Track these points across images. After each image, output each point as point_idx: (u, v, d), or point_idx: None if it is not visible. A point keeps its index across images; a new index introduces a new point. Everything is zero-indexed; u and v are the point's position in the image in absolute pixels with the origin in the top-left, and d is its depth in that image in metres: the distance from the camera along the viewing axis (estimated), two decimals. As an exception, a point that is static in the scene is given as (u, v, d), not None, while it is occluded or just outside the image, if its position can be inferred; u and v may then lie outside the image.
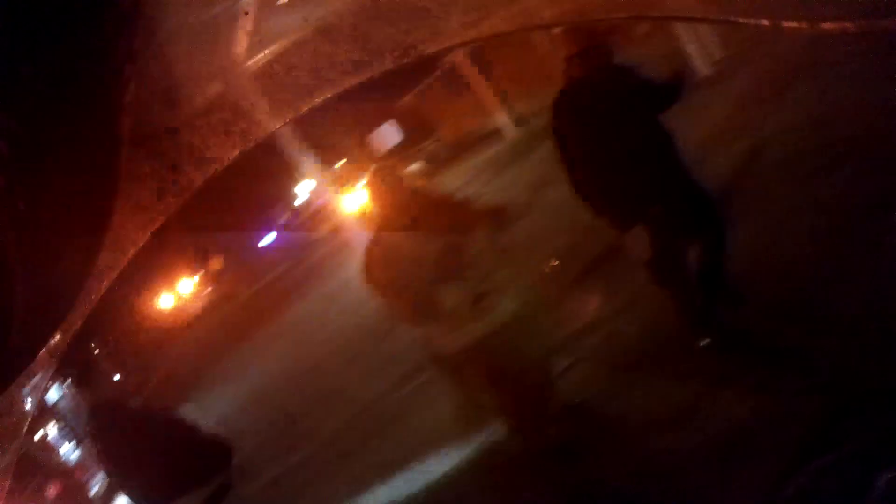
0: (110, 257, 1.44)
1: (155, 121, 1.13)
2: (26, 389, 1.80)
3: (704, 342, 2.61)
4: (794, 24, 1.07)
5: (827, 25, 1.02)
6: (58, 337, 1.73)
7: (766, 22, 1.15)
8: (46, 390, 1.81)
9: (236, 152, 1.11)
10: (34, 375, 1.77)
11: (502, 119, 8.17)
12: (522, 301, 2.97)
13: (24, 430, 1.46)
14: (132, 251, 1.28)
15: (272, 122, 1.09)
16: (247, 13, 1.13)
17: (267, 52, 1.13)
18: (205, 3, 1.18)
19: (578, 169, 2.63)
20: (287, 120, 1.09)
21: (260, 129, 1.09)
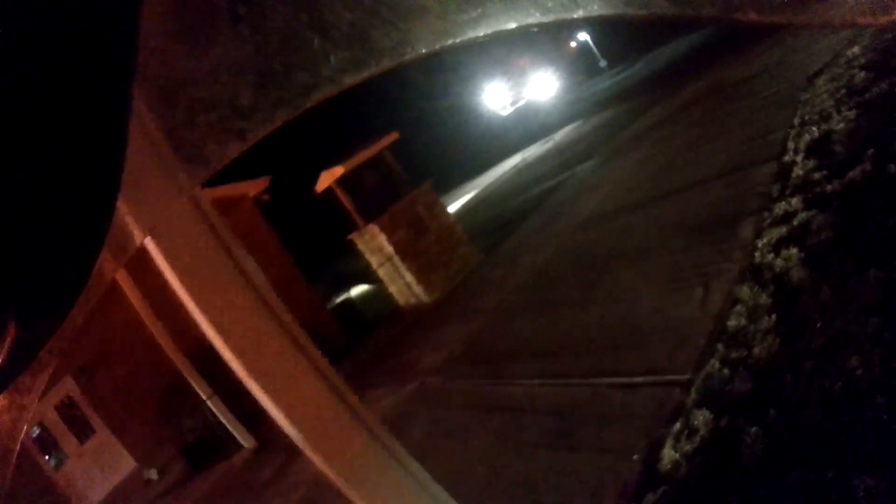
0: (110, 257, 1.44)
1: (153, 120, 1.13)
2: (26, 389, 1.79)
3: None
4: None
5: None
6: (58, 337, 1.72)
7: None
8: (46, 390, 1.81)
9: (235, 152, 1.10)
10: (34, 376, 1.76)
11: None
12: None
13: (24, 430, 1.45)
14: (132, 251, 1.28)
15: (271, 121, 1.08)
16: (246, 12, 1.12)
17: (266, 51, 1.13)
18: (204, 2, 1.18)
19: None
20: (286, 119, 1.09)
21: (259, 128, 1.09)
